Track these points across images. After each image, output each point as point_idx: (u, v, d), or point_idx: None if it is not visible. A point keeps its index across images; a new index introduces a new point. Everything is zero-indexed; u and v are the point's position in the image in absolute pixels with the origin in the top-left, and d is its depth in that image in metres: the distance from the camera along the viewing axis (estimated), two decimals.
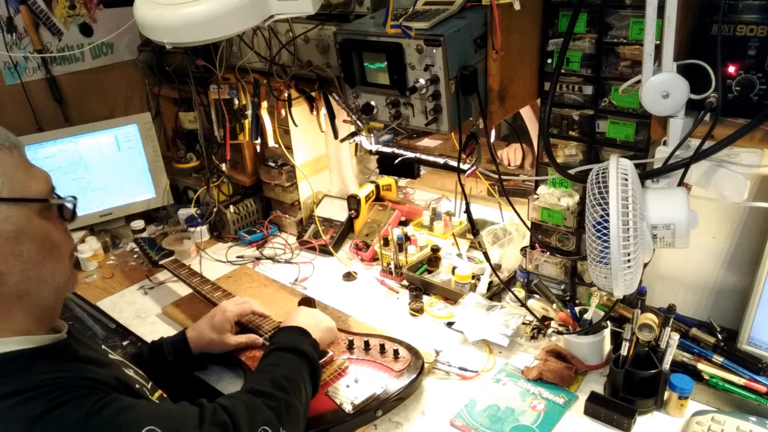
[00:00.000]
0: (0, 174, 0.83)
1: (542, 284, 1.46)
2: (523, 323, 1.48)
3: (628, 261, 1.00)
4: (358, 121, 1.36)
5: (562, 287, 1.49)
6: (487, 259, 1.43)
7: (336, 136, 1.78)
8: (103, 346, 1.09)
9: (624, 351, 1.25)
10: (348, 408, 1.23)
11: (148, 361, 1.34)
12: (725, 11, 1.03)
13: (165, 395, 1.07)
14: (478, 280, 1.65)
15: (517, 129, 1.92)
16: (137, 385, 0.98)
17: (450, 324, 1.54)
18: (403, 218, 2.01)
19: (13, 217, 0.83)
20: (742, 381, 1.23)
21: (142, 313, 1.73)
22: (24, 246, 0.85)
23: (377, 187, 2.04)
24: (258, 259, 1.98)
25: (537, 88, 1.34)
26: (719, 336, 1.31)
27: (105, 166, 2.12)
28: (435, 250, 1.77)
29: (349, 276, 1.84)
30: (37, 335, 0.89)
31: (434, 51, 1.14)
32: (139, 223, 2.09)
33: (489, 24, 1.18)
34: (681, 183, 1.09)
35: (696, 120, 1.06)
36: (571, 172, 1.25)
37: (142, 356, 1.36)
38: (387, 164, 1.74)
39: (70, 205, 0.93)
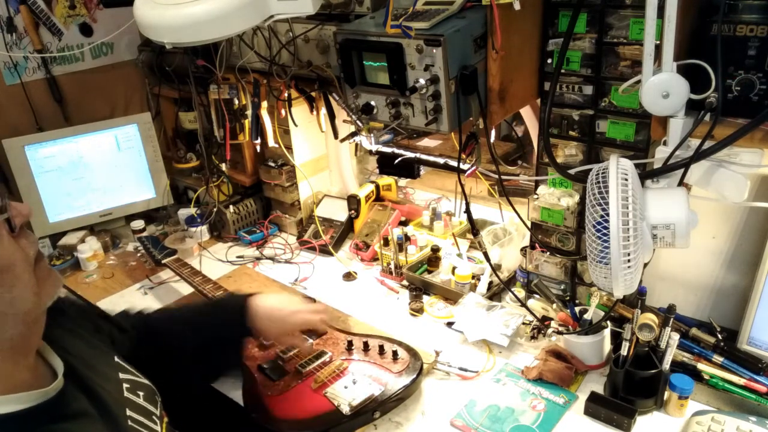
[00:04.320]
0: None
1: (542, 284, 1.46)
2: (523, 323, 1.48)
3: (628, 261, 1.00)
4: (358, 121, 1.36)
5: (562, 287, 1.49)
6: (487, 259, 1.43)
7: (336, 136, 1.78)
8: (116, 358, 1.00)
9: (624, 351, 1.25)
10: (346, 409, 1.23)
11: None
12: (725, 11, 1.03)
13: (167, 420, 1.02)
14: (478, 280, 1.65)
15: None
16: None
17: (450, 324, 1.54)
18: (403, 218, 2.00)
19: None
20: (742, 381, 1.23)
21: None
22: None
23: (377, 187, 2.04)
24: (258, 259, 1.98)
25: (537, 88, 1.34)
26: (719, 336, 1.31)
27: (105, 166, 2.13)
28: (435, 250, 1.77)
29: (349, 276, 1.84)
30: (22, 392, 0.76)
31: (434, 51, 1.14)
32: (139, 223, 2.09)
33: (489, 24, 1.18)
34: (681, 183, 1.09)
35: (696, 120, 1.06)
36: (571, 172, 1.25)
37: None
38: (387, 164, 1.74)
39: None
